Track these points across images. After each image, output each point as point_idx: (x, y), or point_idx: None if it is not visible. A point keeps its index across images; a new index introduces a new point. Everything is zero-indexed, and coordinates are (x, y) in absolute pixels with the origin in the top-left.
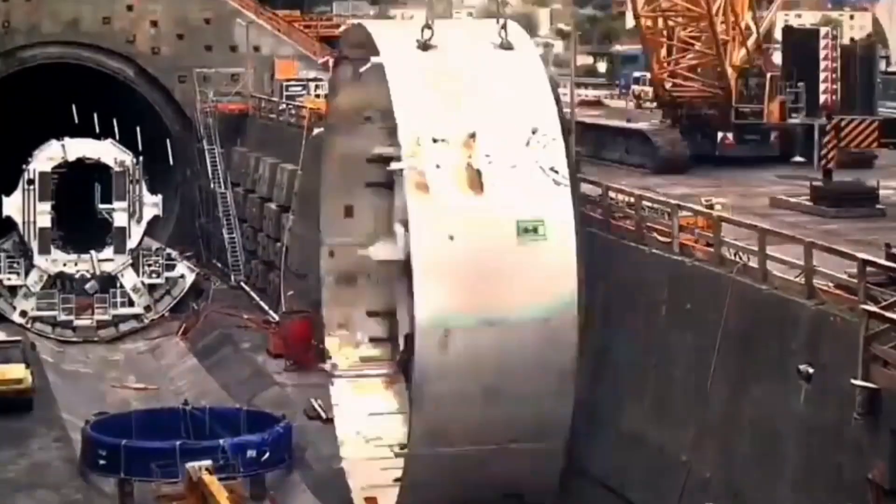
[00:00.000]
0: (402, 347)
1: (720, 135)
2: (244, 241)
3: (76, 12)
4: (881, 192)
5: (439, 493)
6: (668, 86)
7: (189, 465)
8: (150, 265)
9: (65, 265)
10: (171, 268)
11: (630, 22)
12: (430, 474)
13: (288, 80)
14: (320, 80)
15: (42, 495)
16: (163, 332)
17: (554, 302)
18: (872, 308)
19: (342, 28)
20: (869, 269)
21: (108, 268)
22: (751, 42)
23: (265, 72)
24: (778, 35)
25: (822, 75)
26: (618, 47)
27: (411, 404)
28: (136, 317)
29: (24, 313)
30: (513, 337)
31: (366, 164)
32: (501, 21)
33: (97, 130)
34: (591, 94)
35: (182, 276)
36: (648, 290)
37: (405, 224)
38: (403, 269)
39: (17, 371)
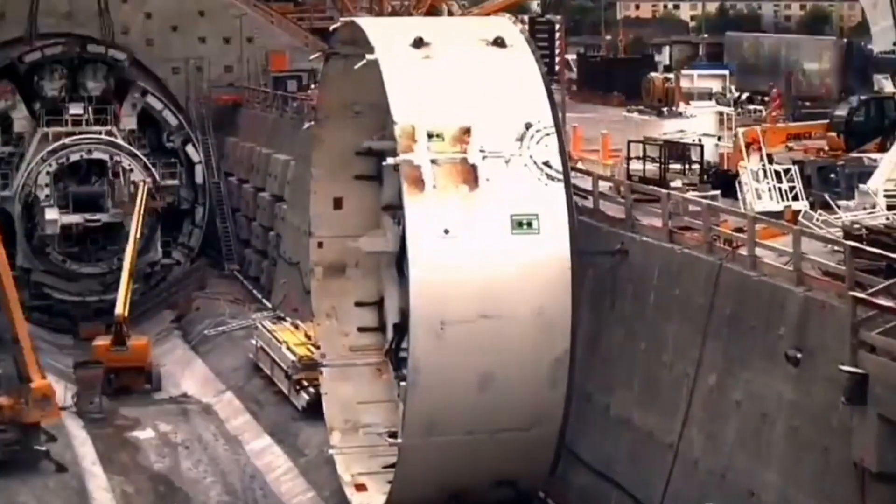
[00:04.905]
0: (390, 337)
1: None
2: (238, 230)
3: (71, 4)
4: None
5: (432, 481)
6: None
7: None
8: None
9: None
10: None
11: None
12: (423, 463)
13: (281, 72)
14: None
15: None
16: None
17: (548, 295)
18: (860, 294)
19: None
20: None
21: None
22: None
23: (258, 63)
24: None
25: None
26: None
27: (405, 395)
28: None
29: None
30: (507, 329)
31: (355, 157)
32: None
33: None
34: None
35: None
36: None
37: (394, 216)
38: (392, 260)
39: None
